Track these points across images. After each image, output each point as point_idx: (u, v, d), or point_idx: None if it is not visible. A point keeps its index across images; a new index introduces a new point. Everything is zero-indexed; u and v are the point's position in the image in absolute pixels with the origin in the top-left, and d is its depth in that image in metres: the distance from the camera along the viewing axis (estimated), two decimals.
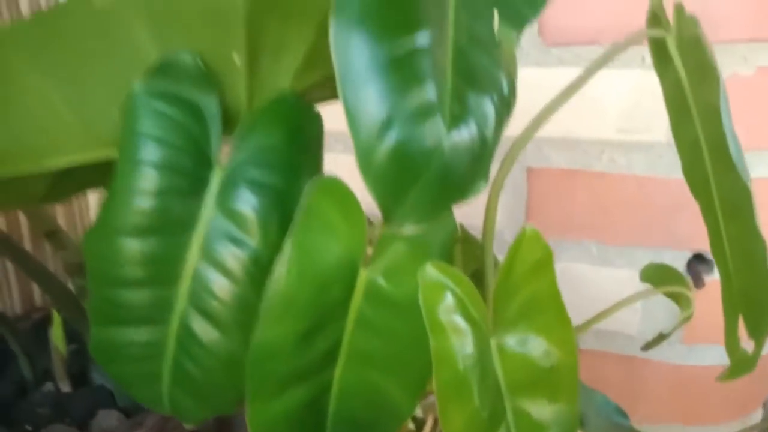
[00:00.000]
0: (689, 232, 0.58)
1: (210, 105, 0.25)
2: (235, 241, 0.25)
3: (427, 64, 0.21)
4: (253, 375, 0.26)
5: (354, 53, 0.20)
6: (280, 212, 0.25)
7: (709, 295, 0.60)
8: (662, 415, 0.65)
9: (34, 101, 0.23)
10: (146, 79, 0.24)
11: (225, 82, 0.25)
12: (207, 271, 0.25)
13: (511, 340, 0.27)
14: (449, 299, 0.25)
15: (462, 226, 0.35)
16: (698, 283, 0.57)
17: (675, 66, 0.33)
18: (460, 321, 0.26)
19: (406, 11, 0.21)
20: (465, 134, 0.22)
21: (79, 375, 0.68)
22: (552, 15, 0.58)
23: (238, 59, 0.24)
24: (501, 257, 0.67)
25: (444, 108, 0.21)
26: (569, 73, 0.60)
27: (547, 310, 0.28)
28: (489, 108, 0.22)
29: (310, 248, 0.25)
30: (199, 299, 0.25)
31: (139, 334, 0.26)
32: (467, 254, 0.37)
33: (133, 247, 0.24)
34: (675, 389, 0.63)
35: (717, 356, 0.61)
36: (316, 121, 0.27)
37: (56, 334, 0.63)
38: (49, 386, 0.67)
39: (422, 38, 0.21)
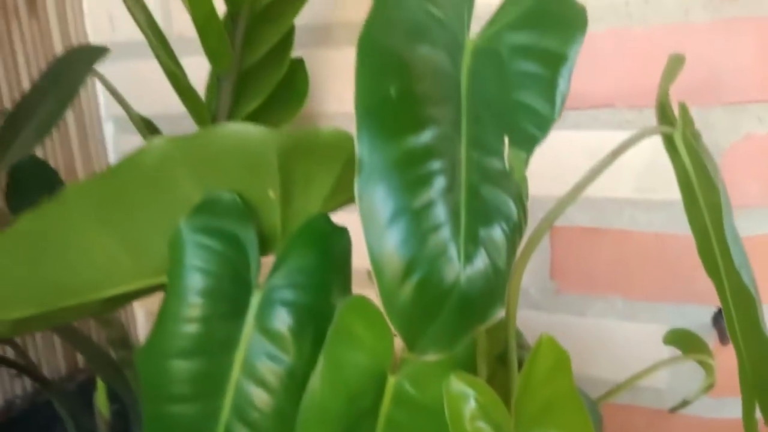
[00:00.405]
0: (713, 288, 0.59)
1: (248, 235, 0.27)
2: (273, 358, 0.27)
3: (442, 211, 0.23)
4: None
5: (377, 207, 0.22)
6: (313, 328, 0.28)
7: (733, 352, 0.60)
8: None
9: (93, 244, 0.26)
10: (190, 217, 0.27)
11: (261, 212, 0.27)
12: (248, 385, 0.27)
13: None
14: (473, 406, 0.27)
15: None
16: (724, 338, 0.58)
17: (682, 158, 0.35)
18: (483, 426, 0.27)
19: (423, 165, 0.23)
20: (479, 266, 0.24)
21: None
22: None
23: (272, 194, 0.26)
24: (525, 312, 0.69)
25: (459, 247, 0.23)
26: (586, 135, 0.62)
27: (566, 409, 0.29)
28: (500, 238, 0.25)
29: (341, 363, 0.27)
30: (242, 411, 0.28)
31: None
32: (492, 337, 0.38)
33: (181, 367, 0.27)
34: None
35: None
36: (344, 236, 0.30)
37: (101, 400, 0.66)
38: None
39: (438, 185, 0.23)
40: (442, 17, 0.27)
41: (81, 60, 0.36)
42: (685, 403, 0.47)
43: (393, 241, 0.22)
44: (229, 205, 0.27)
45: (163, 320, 0.27)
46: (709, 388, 0.44)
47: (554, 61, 0.29)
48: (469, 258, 0.24)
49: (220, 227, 0.27)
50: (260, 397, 0.27)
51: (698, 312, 0.60)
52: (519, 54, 0.29)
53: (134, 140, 0.63)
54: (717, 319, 0.60)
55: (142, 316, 0.83)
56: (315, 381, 0.27)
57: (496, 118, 0.27)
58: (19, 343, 0.67)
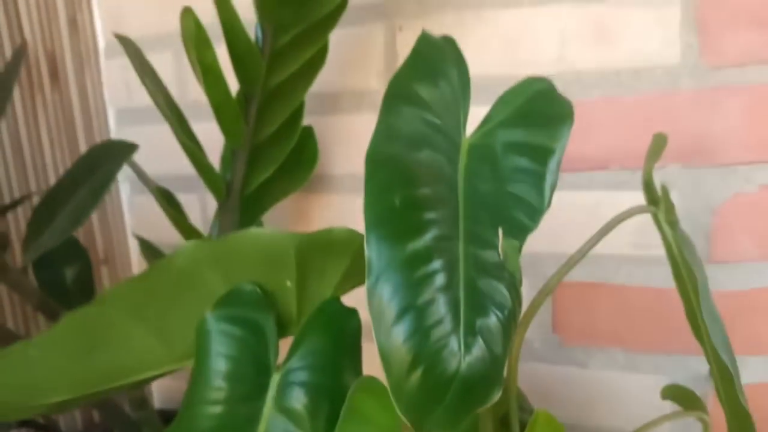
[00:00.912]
0: None
1: (267, 321, 0.30)
2: None
3: (443, 306, 0.26)
4: None
5: (384, 305, 0.25)
6: (327, 406, 0.30)
7: None
8: None
9: (130, 338, 0.29)
10: (215, 307, 0.29)
11: (279, 300, 0.30)
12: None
13: None
14: None
15: None
16: None
17: (666, 235, 0.38)
18: None
19: (425, 265, 0.26)
20: (477, 354, 0.26)
21: None
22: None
23: (290, 284, 0.29)
24: (530, 365, 0.71)
25: (459, 339, 0.26)
26: (583, 196, 0.65)
27: None
28: (496, 326, 0.27)
29: None
30: None
31: None
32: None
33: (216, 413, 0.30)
34: None
35: None
36: (354, 317, 0.33)
37: None
38: None
39: (438, 282, 0.26)
40: (439, 123, 0.30)
41: (112, 154, 0.39)
42: None
43: (400, 337, 0.25)
44: (251, 295, 0.30)
45: (189, 402, 0.30)
46: None
47: (543, 155, 0.32)
48: (468, 348, 0.26)
49: (242, 315, 0.30)
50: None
51: (698, 363, 0.62)
52: (511, 150, 0.32)
53: (150, 200, 0.66)
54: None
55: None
56: None
57: (491, 212, 0.30)
58: None
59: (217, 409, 0.29)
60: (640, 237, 0.63)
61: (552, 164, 0.32)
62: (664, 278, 0.62)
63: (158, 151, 0.74)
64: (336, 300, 0.32)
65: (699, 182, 0.59)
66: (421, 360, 0.25)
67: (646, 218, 0.64)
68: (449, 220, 0.28)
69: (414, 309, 0.25)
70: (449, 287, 0.26)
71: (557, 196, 0.70)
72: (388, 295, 0.25)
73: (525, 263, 0.66)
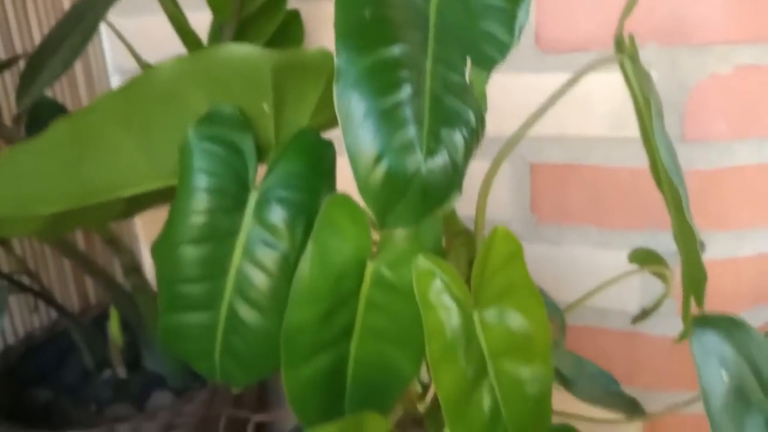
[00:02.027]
0: None
1: (246, 143, 0.32)
2: (269, 245, 0.32)
3: (408, 113, 0.28)
4: (286, 347, 0.33)
5: (352, 107, 0.27)
6: (304, 222, 0.33)
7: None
8: (665, 383, 0.71)
9: (118, 149, 0.31)
10: (197, 126, 0.31)
11: (257, 124, 0.32)
12: (248, 268, 0.33)
13: (491, 315, 0.34)
14: (437, 283, 0.32)
15: (463, 222, 0.42)
16: None
17: (632, 84, 0.40)
18: (447, 300, 0.33)
19: (392, 74, 0.27)
20: (439, 161, 0.29)
21: (133, 362, 0.78)
22: (547, 26, 0.64)
23: (267, 108, 0.31)
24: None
25: (422, 144, 0.28)
26: (563, 78, 0.66)
27: (521, 292, 0.34)
28: (459, 140, 0.29)
29: (327, 248, 0.32)
30: (243, 290, 0.33)
31: (197, 318, 0.34)
32: (467, 245, 0.43)
33: (190, 252, 0.32)
34: (676, 359, 0.69)
35: None
36: (330, 148, 0.35)
37: (113, 327, 0.72)
38: (107, 373, 0.77)
39: (405, 92, 0.28)
40: None
41: (95, 6, 0.40)
42: (645, 313, 0.52)
43: (365, 135, 0.27)
44: (231, 117, 0.31)
45: (174, 214, 0.32)
46: (665, 296, 0.49)
47: None
48: (430, 152, 0.28)
49: (223, 135, 0.32)
50: (259, 278, 0.33)
51: (668, 238, 0.65)
52: None
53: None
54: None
55: (147, 252, 0.88)
56: (304, 264, 0.32)
57: (460, 42, 0.32)
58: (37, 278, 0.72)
59: (199, 219, 0.32)
60: (617, 118, 0.64)
61: (523, 4, 0.33)
62: (637, 158, 0.64)
63: (150, 42, 0.74)
64: (313, 130, 0.34)
65: (675, 62, 0.61)
66: (384, 156, 0.27)
67: (623, 100, 0.65)
68: (418, 41, 0.30)
69: (380, 112, 0.27)
70: (416, 96, 0.28)
71: (535, 78, 0.71)
72: (356, 98, 0.27)
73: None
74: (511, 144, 0.39)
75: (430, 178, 0.28)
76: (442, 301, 0.32)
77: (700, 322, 0.22)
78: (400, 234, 0.33)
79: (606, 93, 0.64)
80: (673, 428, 0.70)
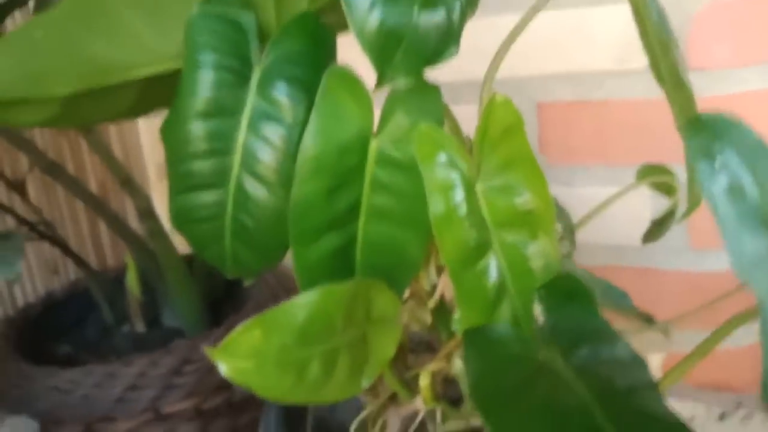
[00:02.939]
0: None
1: (249, 22, 0.33)
2: (274, 119, 0.33)
3: None
4: (294, 225, 0.34)
5: None
6: (307, 98, 0.33)
7: None
8: (679, 322, 0.70)
9: (125, 28, 0.32)
10: (202, 4, 0.32)
11: (259, 7, 0.33)
12: (254, 142, 0.33)
13: (493, 187, 0.34)
14: (438, 151, 0.33)
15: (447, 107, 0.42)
16: None
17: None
18: (448, 168, 0.33)
19: None
20: (434, 16, 0.29)
21: (153, 319, 0.79)
22: None
23: None
24: None
25: None
26: (567, 14, 0.66)
27: (522, 166, 0.35)
28: (456, 1, 0.30)
29: (329, 121, 0.33)
30: (250, 165, 0.34)
31: (206, 197, 0.35)
32: None
33: (198, 127, 0.33)
34: (690, 296, 0.69)
35: (728, 260, 0.66)
36: (330, 33, 0.35)
37: (131, 279, 0.73)
38: (126, 328, 0.78)
39: None
40: None
41: None
42: (655, 227, 0.52)
43: None
44: None
45: (182, 90, 0.33)
46: (674, 206, 0.49)
47: None
48: (425, 5, 0.29)
49: (227, 14, 0.33)
50: (265, 152, 0.33)
51: (679, 171, 0.65)
52: None
53: None
54: None
55: (158, 198, 0.89)
56: (308, 137, 0.33)
57: None
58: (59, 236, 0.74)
59: (205, 94, 0.33)
60: (623, 51, 0.65)
61: None
62: (644, 90, 0.64)
63: None
64: (313, 13, 0.35)
65: None
66: (377, 3, 0.28)
67: (630, 32, 0.66)
68: None
69: None
70: None
71: (541, 17, 0.71)
72: None
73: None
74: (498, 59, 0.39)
75: (426, 30, 0.29)
76: (444, 170, 0.33)
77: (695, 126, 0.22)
78: (398, 86, 0.33)
79: (612, 25, 0.64)
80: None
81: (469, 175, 0.34)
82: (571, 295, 0.31)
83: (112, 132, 0.91)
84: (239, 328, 0.30)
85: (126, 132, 0.93)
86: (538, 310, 0.32)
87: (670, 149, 0.66)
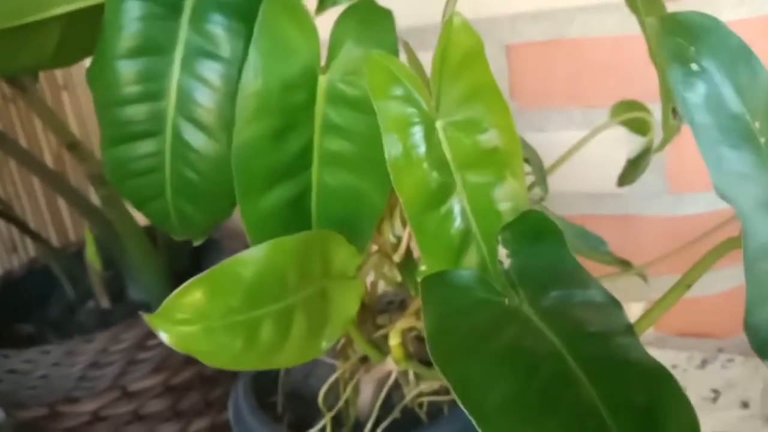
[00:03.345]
0: None
1: None
2: (210, 56, 0.30)
3: None
4: (238, 173, 0.31)
5: None
6: (245, 28, 0.30)
7: (689, 142, 0.63)
8: (658, 267, 0.69)
9: None
10: None
11: None
12: (189, 83, 0.30)
13: (455, 122, 0.31)
14: (393, 83, 0.30)
15: (407, 44, 0.39)
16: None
17: None
18: (405, 103, 0.30)
19: None
20: None
21: (118, 294, 0.75)
22: None
23: None
24: None
25: None
26: None
27: (485, 98, 0.32)
28: None
29: (270, 53, 0.30)
30: (186, 109, 0.30)
31: (142, 147, 0.31)
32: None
33: (127, 68, 0.30)
34: (668, 241, 0.67)
35: (705, 203, 0.64)
36: None
37: (90, 253, 0.70)
38: (90, 304, 0.74)
39: None
40: None
41: None
42: (630, 166, 0.50)
43: None
44: None
45: (105, 27, 0.29)
46: (649, 142, 0.47)
47: None
48: None
49: None
50: (202, 93, 0.30)
51: (654, 108, 0.63)
52: None
53: None
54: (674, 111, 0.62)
55: None
56: (248, 73, 0.30)
57: None
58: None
59: (132, 28, 0.29)
60: None
61: None
62: (618, 25, 0.61)
63: None
64: None
65: None
66: None
67: None
68: None
69: None
70: None
71: None
72: None
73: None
74: None
75: None
76: (399, 104, 0.30)
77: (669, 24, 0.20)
78: (351, 37, 0.30)
79: None
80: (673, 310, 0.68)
81: (427, 110, 0.31)
82: (539, 235, 0.28)
83: (66, 101, 0.86)
84: (178, 290, 0.27)
85: (80, 94, 0.88)
86: (503, 252, 0.29)
87: (648, 89, 0.63)
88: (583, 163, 0.67)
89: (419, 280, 0.33)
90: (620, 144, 0.64)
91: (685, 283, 0.28)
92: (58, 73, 0.86)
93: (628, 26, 0.61)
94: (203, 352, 0.28)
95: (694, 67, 0.20)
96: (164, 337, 0.27)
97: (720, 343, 0.67)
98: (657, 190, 0.65)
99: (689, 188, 0.65)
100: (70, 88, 0.87)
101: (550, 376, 0.24)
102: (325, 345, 0.33)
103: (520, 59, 0.65)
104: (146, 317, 0.27)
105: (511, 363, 0.24)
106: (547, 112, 0.66)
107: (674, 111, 0.62)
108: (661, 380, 0.24)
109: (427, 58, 0.35)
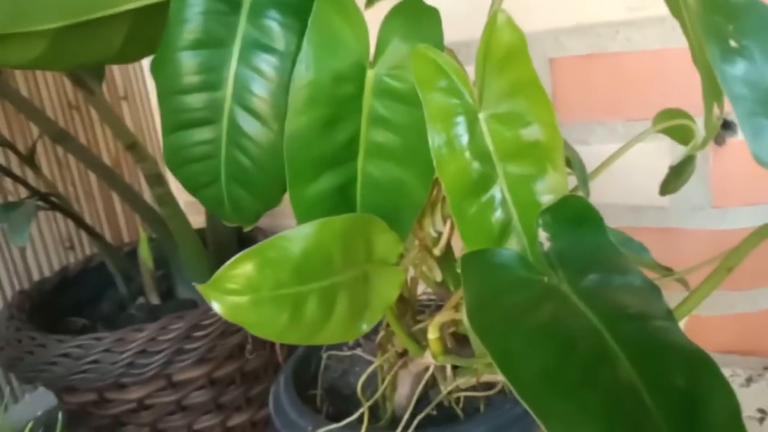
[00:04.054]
0: None
1: None
2: (266, 49, 0.32)
3: None
4: (290, 162, 0.33)
5: None
6: (299, 23, 0.32)
7: (734, 156, 0.62)
8: (699, 275, 0.68)
9: None
10: None
11: None
12: (246, 74, 0.32)
13: (497, 115, 0.32)
14: (439, 75, 0.31)
15: (451, 50, 0.40)
16: (719, 140, 0.60)
17: None
18: (449, 95, 0.31)
19: None
20: None
21: (167, 292, 0.78)
22: None
23: None
24: None
25: None
26: None
27: (528, 93, 0.33)
28: None
29: (321, 46, 0.32)
30: (242, 98, 0.32)
31: (199, 134, 0.33)
32: None
33: (188, 59, 0.32)
34: (711, 255, 0.66)
35: (749, 218, 0.64)
36: None
37: (143, 251, 0.73)
38: (141, 300, 0.77)
39: None
40: None
41: None
42: (672, 173, 0.50)
43: None
44: None
45: (170, 22, 0.32)
46: (693, 149, 0.47)
47: None
48: None
49: None
50: (257, 83, 0.32)
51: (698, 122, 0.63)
52: None
53: None
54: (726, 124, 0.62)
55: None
56: (301, 65, 0.31)
57: None
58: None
59: (194, 24, 0.31)
60: (634, 0, 0.62)
61: None
62: (659, 39, 0.62)
63: None
64: None
65: None
66: None
67: None
68: None
69: None
70: None
71: None
72: None
73: None
74: None
75: None
76: (444, 96, 0.31)
77: None
78: (399, 33, 0.32)
79: None
80: (717, 325, 0.67)
81: (471, 102, 0.32)
82: (580, 220, 0.29)
83: (126, 111, 0.91)
84: (230, 262, 0.29)
85: (138, 105, 0.93)
86: (543, 236, 0.30)
87: (691, 102, 0.63)
88: (626, 174, 0.67)
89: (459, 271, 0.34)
90: (664, 156, 0.64)
91: (725, 266, 0.29)
92: (119, 83, 0.91)
93: (670, 40, 0.61)
94: (251, 322, 0.29)
95: (732, 43, 0.21)
96: (216, 306, 0.29)
97: (766, 362, 0.65)
98: (701, 203, 0.64)
99: (734, 202, 0.64)
100: (130, 99, 0.92)
101: (587, 352, 0.24)
102: (365, 327, 0.34)
103: (563, 72, 0.66)
104: (199, 287, 0.29)
105: (550, 338, 0.24)
106: (590, 125, 0.67)
107: (725, 123, 0.62)
108: (701, 364, 0.25)
109: (471, 72, 0.36)
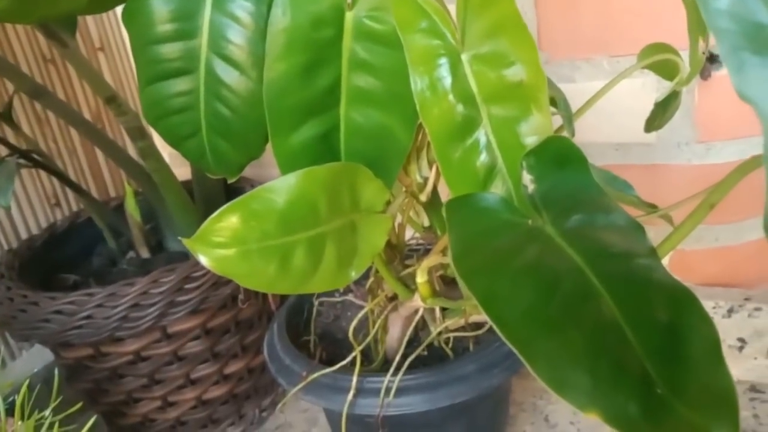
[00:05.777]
0: None
1: None
2: None
3: None
4: (270, 111, 0.32)
5: None
6: None
7: (720, 91, 0.62)
8: (684, 211, 0.69)
9: None
10: None
11: None
12: (221, 20, 0.31)
13: (480, 56, 0.32)
14: (420, 16, 0.30)
15: None
16: (704, 74, 0.60)
17: None
18: (431, 36, 0.31)
19: None
20: None
21: (157, 246, 0.78)
22: None
23: None
24: None
25: None
26: None
27: (510, 32, 0.32)
28: None
29: None
30: (218, 46, 0.32)
31: (177, 85, 0.33)
32: None
33: (160, 6, 0.31)
34: (697, 190, 0.66)
35: (734, 152, 0.64)
36: None
37: (130, 205, 0.72)
38: (131, 254, 0.77)
39: None
40: None
41: None
42: (658, 110, 0.49)
43: None
44: None
45: None
46: (679, 84, 0.46)
47: None
48: None
49: None
50: (233, 30, 0.31)
51: (683, 56, 0.62)
52: None
53: None
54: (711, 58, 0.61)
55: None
56: (277, 9, 0.31)
57: None
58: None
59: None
60: None
61: None
62: None
63: None
64: None
65: None
66: None
67: None
68: None
69: None
70: None
71: None
72: None
73: None
74: None
75: None
76: (426, 37, 0.31)
77: None
78: None
79: None
80: (700, 259, 0.68)
81: (453, 42, 0.31)
82: (564, 161, 0.29)
83: (103, 62, 0.88)
84: (214, 215, 0.29)
85: (116, 56, 0.90)
86: (527, 178, 0.30)
87: (676, 37, 0.62)
88: (611, 112, 0.67)
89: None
90: (649, 93, 0.64)
91: (708, 203, 0.29)
92: (95, 34, 0.88)
93: None
94: (240, 274, 0.29)
95: None
96: (203, 260, 0.29)
97: (747, 293, 0.67)
98: (686, 138, 0.64)
99: (719, 137, 0.64)
100: (107, 50, 0.89)
101: (571, 291, 0.25)
102: (354, 275, 0.34)
103: (549, 9, 0.65)
104: (185, 241, 0.29)
105: (534, 278, 0.25)
106: (575, 62, 0.66)
107: (711, 57, 0.61)
108: (683, 299, 0.25)
109: (453, 11, 0.35)
